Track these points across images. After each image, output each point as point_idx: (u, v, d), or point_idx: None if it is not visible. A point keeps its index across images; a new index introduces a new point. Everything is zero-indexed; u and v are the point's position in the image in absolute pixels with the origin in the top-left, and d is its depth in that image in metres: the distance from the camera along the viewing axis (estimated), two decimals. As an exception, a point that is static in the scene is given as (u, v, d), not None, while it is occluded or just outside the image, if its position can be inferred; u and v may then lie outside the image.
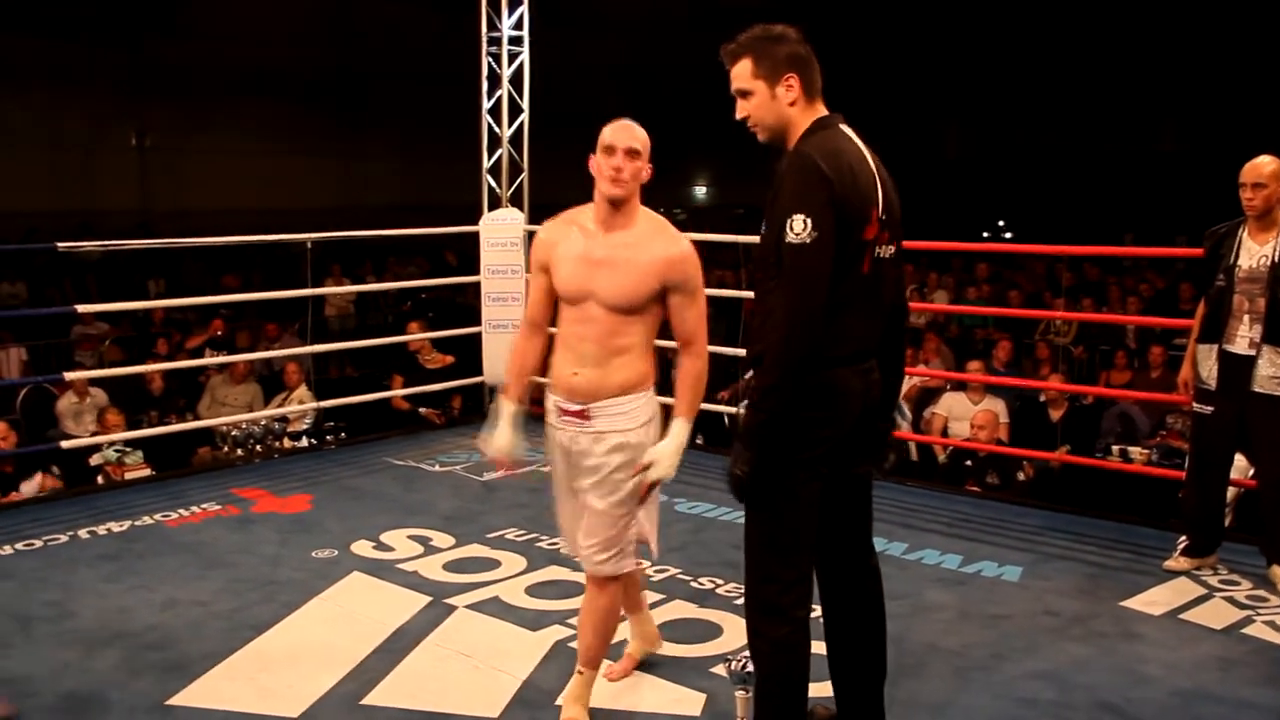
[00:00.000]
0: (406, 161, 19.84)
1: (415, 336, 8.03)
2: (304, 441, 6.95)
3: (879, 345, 2.80)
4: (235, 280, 13.17)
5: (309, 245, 6.86)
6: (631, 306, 3.02)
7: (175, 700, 3.36)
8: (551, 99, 8.03)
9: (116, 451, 6.29)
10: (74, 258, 14.17)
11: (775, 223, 2.56)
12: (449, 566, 4.53)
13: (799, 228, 2.52)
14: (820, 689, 3.01)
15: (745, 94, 2.72)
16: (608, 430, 3.06)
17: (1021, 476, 6.53)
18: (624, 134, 3.02)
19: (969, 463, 6.57)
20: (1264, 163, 4.28)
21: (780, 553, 2.69)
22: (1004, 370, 8.49)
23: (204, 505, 5.35)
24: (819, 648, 2.91)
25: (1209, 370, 4.42)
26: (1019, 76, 21.37)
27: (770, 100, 2.69)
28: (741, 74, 2.72)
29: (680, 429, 3.06)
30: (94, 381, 7.94)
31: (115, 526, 5.04)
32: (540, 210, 7.55)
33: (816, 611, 2.90)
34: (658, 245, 3.03)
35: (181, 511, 5.26)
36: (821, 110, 2.73)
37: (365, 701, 3.37)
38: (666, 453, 3.03)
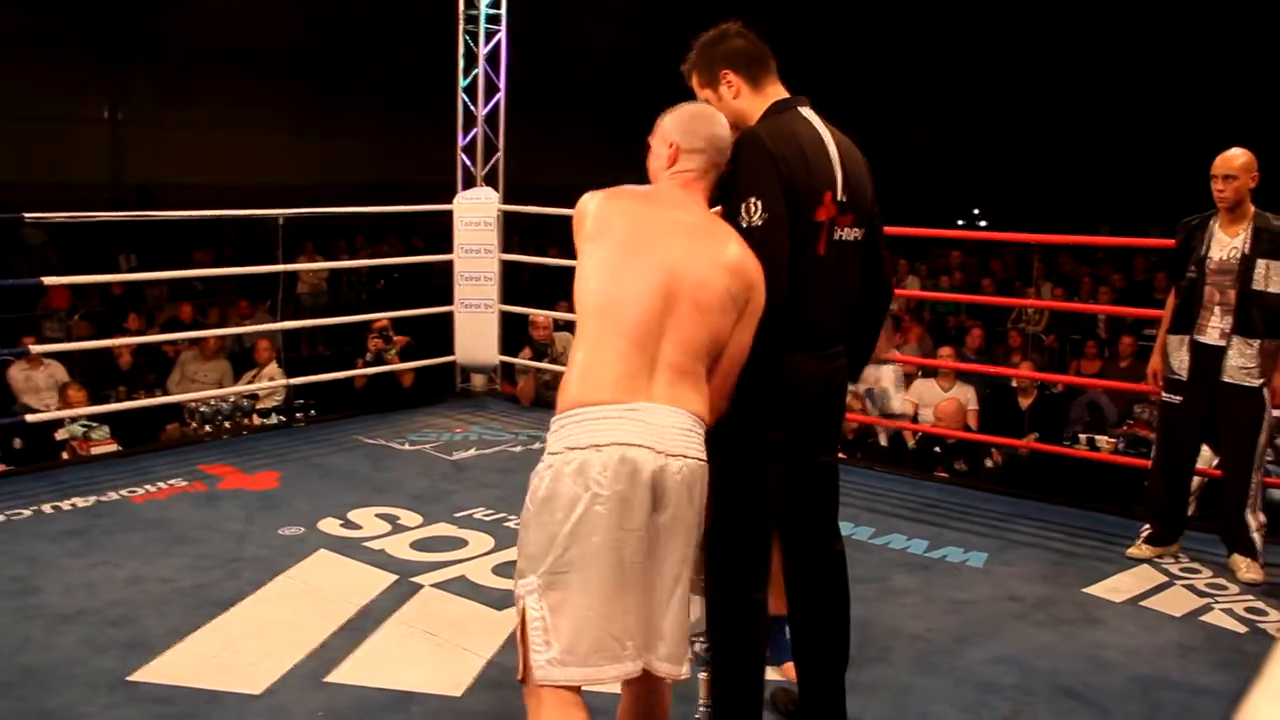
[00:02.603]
0: (382, 140, 19.68)
1: (385, 315, 7.89)
2: (273, 419, 6.91)
3: (848, 330, 2.79)
4: (208, 256, 13.07)
5: (281, 222, 6.80)
6: None
7: (137, 676, 3.34)
8: (532, 79, 7.99)
9: (83, 426, 6.24)
10: (37, 228, 13.98)
11: (732, 208, 2.57)
12: (416, 545, 4.52)
13: (752, 209, 2.53)
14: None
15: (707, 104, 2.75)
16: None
17: (989, 463, 6.58)
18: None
19: (938, 449, 6.61)
20: (1235, 155, 4.32)
21: (740, 537, 2.69)
22: (975, 357, 8.54)
23: (171, 481, 5.32)
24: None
25: (1180, 361, 4.46)
26: (997, 65, 21.41)
27: (719, 102, 2.72)
28: (696, 87, 2.77)
29: None
30: (62, 357, 7.87)
31: (80, 502, 5.00)
32: (516, 190, 7.55)
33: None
34: None
35: (148, 487, 5.22)
36: (777, 94, 2.73)
37: (329, 679, 3.36)
38: None
